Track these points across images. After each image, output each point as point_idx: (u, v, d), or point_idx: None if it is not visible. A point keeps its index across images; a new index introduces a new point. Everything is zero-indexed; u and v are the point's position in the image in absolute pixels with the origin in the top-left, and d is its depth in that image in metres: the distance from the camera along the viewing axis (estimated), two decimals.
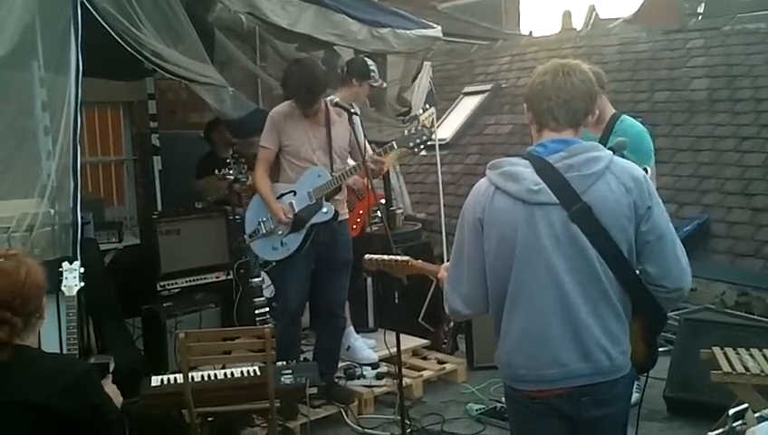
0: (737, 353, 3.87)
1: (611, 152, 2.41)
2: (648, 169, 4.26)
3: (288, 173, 4.66)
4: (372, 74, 5.04)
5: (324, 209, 4.62)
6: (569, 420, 2.43)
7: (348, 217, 4.94)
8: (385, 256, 3.16)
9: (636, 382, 4.60)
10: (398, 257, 3.11)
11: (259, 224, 4.66)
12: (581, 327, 2.33)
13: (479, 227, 2.42)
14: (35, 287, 2.39)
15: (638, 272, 2.40)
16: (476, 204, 2.44)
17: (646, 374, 2.75)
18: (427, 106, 6.15)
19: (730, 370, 3.69)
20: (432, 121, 5.59)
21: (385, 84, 5.30)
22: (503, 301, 2.41)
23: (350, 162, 4.89)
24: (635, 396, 4.57)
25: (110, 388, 2.72)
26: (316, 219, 4.61)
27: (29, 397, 2.27)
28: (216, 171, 5.72)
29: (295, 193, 4.62)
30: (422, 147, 4.76)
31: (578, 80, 2.41)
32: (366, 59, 5.17)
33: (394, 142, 4.70)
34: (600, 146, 2.44)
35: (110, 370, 3.55)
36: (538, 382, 2.38)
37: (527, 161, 2.40)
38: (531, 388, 2.41)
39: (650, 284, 2.38)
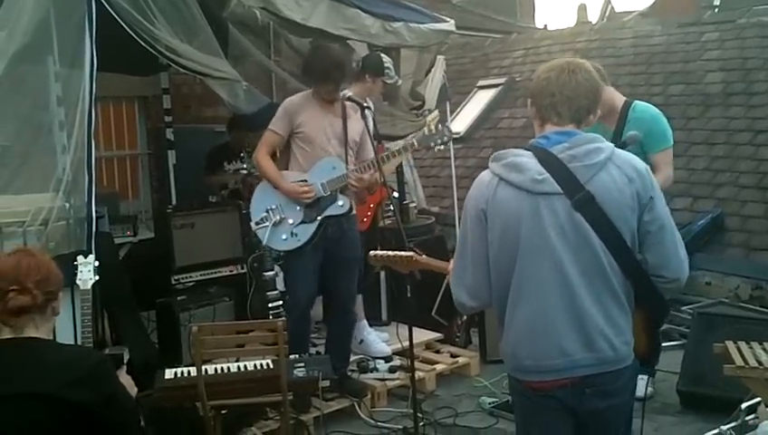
0: (750, 347, 3.85)
1: (613, 145, 2.44)
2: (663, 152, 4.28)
3: (299, 161, 4.59)
4: (387, 71, 5.03)
5: (340, 202, 4.58)
6: (574, 413, 2.44)
7: (356, 211, 4.92)
8: (390, 252, 3.17)
9: (651, 378, 4.63)
10: (403, 253, 3.13)
11: (267, 212, 4.57)
12: (585, 317, 2.35)
13: (483, 218, 2.44)
14: (56, 273, 2.52)
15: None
16: (479, 195, 2.47)
17: (649, 368, 2.76)
18: (431, 109, 6.18)
19: (743, 364, 3.67)
20: (437, 123, 5.59)
21: (400, 81, 5.29)
22: (506, 292, 2.43)
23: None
24: (649, 390, 4.59)
25: (125, 379, 2.74)
26: (330, 211, 4.57)
27: (43, 388, 2.30)
28: (226, 163, 5.76)
29: (307, 182, 4.56)
30: (442, 147, 4.74)
31: (582, 78, 2.44)
32: (382, 55, 5.16)
33: (415, 141, 4.68)
34: (602, 138, 2.46)
35: (125, 361, 3.58)
36: (543, 373, 2.40)
37: (530, 152, 2.43)
38: (535, 379, 2.42)
39: (650, 274, 2.41)
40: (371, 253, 3.24)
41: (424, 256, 3.11)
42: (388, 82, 5.07)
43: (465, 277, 2.53)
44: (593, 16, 13.27)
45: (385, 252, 3.18)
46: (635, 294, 2.43)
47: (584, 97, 2.44)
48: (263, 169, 4.63)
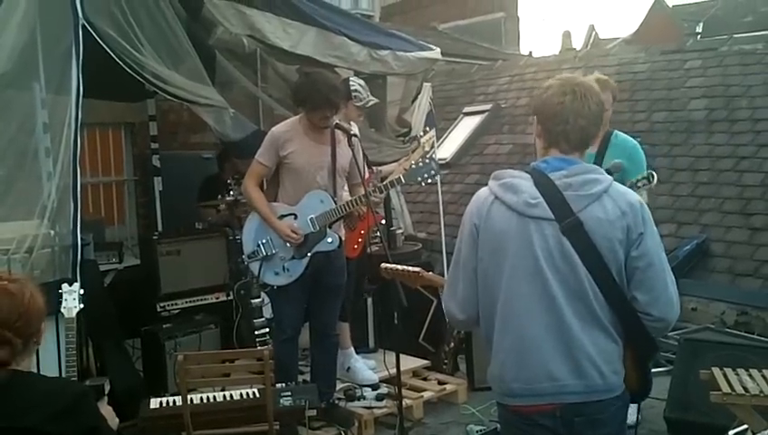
0: (737, 374, 3.86)
1: (611, 177, 2.44)
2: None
3: (289, 191, 4.57)
4: (355, 94, 5.00)
5: (329, 239, 4.55)
6: None
7: (347, 238, 4.90)
8: (399, 266, 3.25)
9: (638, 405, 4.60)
10: (410, 268, 3.21)
11: (258, 246, 4.57)
12: (573, 342, 2.35)
13: (475, 233, 2.48)
14: (37, 311, 2.39)
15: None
16: (475, 210, 2.50)
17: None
18: (427, 129, 6.18)
19: (729, 390, 3.68)
20: (432, 144, 5.58)
21: (372, 101, 5.25)
22: (493, 312, 2.44)
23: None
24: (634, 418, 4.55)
25: (106, 410, 2.70)
26: (320, 248, 4.54)
27: (24, 422, 2.25)
28: (219, 196, 5.75)
29: (296, 217, 4.53)
30: (429, 181, 4.65)
31: (593, 104, 2.45)
32: (351, 80, 5.14)
33: (402, 177, 4.65)
34: (601, 170, 2.47)
35: (106, 392, 3.55)
36: (530, 396, 2.39)
37: (528, 175, 2.46)
38: (523, 403, 2.42)
39: (638, 311, 2.40)
40: (383, 265, 3.29)
41: (430, 273, 3.19)
42: (358, 105, 5.06)
43: (457, 290, 2.55)
44: (578, 43, 13.41)
45: (395, 265, 3.26)
46: (622, 329, 2.41)
47: (594, 125, 2.46)
48: (253, 202, 4.59)
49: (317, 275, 4.61)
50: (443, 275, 6.16)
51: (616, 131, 4.63)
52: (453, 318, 2.62)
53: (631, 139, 4.65)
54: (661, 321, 2.41)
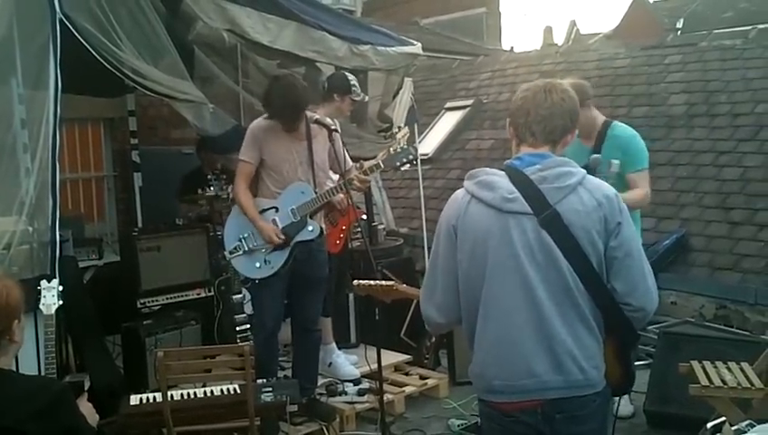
0: (715, 367, 3.90)
1: (585, 170, 2.45)
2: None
3: (270, 187, 4.58)
4: (354, 88, 5.05)
5: (310, 228, 4.56)
6: None
7: (329, 234, 4.90)
8: (372, 281, 3.25)
9: (628, 396, 4.64)
10: (384, 282, 3.22)
11: (239, 241, 4.56)
12: (554, 338, 2.35)
13: (453, 234, 2.46)
14: (15, 306, 2.41)
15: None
16: (452, 212, 2.49)
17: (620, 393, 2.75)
18: (401, 126, 6.21)
19: (708, 383, 3.72)
20: (407, 141, 5.61)
21: (367, 98, 5.30)
22: (476, 310, 2.43)
23: (333, 175, 4.87)
24: (630, 408, 4.59)
25: (86, 407, 2.69)
26: (301, 237, 4.55)
27: (2, 422, 2.24)
28: (200, 190, 5.72)
29: (278, 209, 4.55)
30: (408, 166, 4.71)
31: (558, 98, 2.46)
32: (346, 73, 5.19)
33: (381, 162, 4.67)
34: (574, 163, 2.48)
35: (85, 388, 3.53)
36: (511, 393, 2.39)
37: (503, 172, 2.46)
38: (504, 399, 2.42)
39: (618, 301, 2.41)
40: (355, 282, 3.28)
41: (404, 285, 3.19)
42: (356, 99, 5.08)
43: (435, 294, 2.53)
44: (559, 39, 13.45)
45: (367, 281, 3.25)
46: (604, 320, 2.42)
47: (559, 117, 2.46)
48: (242, 206, 4.57)
49: (298, 268, 4.61)
50: (425, 271, 6.18)
51: (614, 123, 4.53)
52: (432, 321, 2.60)
53: (629, 129, 4.53)
54: (641, 310, 2.43)
